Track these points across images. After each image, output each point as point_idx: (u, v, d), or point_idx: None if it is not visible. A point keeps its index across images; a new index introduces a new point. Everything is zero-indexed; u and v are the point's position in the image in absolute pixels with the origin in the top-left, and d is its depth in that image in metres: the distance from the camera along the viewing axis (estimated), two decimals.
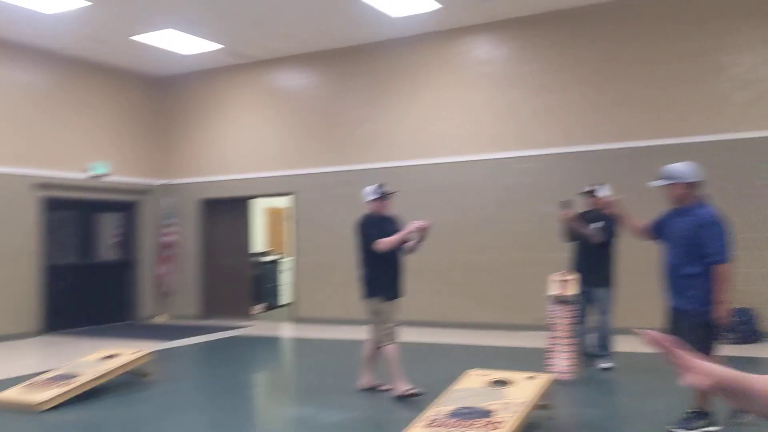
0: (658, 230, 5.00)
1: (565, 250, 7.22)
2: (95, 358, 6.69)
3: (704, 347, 4.47)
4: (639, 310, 9.16)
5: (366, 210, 6.09)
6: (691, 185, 4.74)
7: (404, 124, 10.86)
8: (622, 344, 7.13)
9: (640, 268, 8.98)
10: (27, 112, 10.68)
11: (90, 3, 8.99)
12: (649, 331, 1.36)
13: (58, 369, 6.54)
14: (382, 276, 5.90)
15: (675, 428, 4.72)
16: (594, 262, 6.81)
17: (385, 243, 5.75)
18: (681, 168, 4.78)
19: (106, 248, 12.36)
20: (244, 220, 12.49)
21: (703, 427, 4.66)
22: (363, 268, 5.98)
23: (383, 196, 6.02)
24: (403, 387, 5.73)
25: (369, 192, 6.07)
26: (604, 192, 6.84)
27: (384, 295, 5.87)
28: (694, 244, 4.63)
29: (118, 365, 6.42)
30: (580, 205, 7.13)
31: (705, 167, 8.86)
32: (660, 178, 4.82)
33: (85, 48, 10.95)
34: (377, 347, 5.93)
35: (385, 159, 10.94)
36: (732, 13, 8.94)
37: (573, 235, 6.96)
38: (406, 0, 9.19)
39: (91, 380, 6.10)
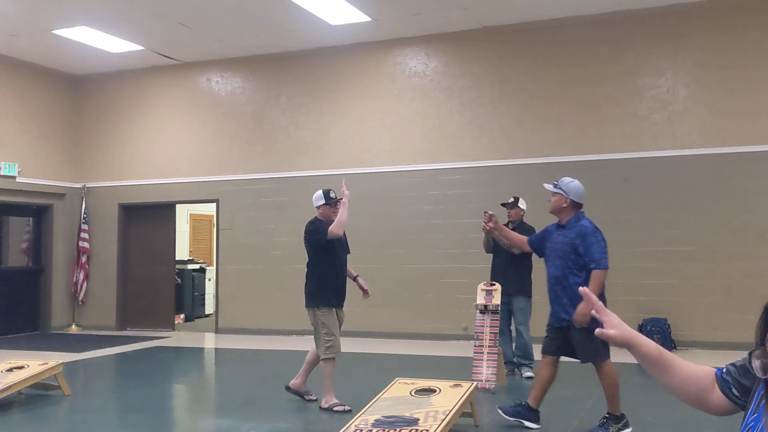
0: (538, 244, 5.28)
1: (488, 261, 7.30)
2: (0, 369, 6.28)
3: (599, 353, 4.78)
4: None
5: (314, 215, 5.97)
6: (573, 203, 5.01)
7: (335, 132, 10.76)
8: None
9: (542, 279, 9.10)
10: None
11: None
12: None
13: None
14: (325, 284, 5.76)
15: None
16: (513, 272, 6.94)
17: (336, 226, 5.66)
18: (572, 184, 5.04)
19: (15, 254, 11.73)
20: (166, 226, 12.06)
21: (619, 430, 4.80)
22: (309, 275, 5.84)
23: (332, 202, 5.90)
24: (331, 401, 5.61)
25: (318, 197, 5.96)
26: (522, 204, 7.02)
27: (327, 305, 5.73)
28: (574, 255, 4.89)
29: (24, 377, 6.02)
30: (503, 217, 7.20)
31: (623, 183, 9.16)
32: (554, 184, 5.11)
33: None
34: (319, 357, 5.76)
35: (314, 167, 10.80)
36: (650, 36, 9.26)
37: (493, 246, 7.02)
38: (342, 9, 9.13)
39: None
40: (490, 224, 5.39)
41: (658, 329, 8.66)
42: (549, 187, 5.11)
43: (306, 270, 5.89)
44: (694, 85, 9.09)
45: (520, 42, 9.87)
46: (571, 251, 4.89)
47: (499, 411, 5.15)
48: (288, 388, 6.04)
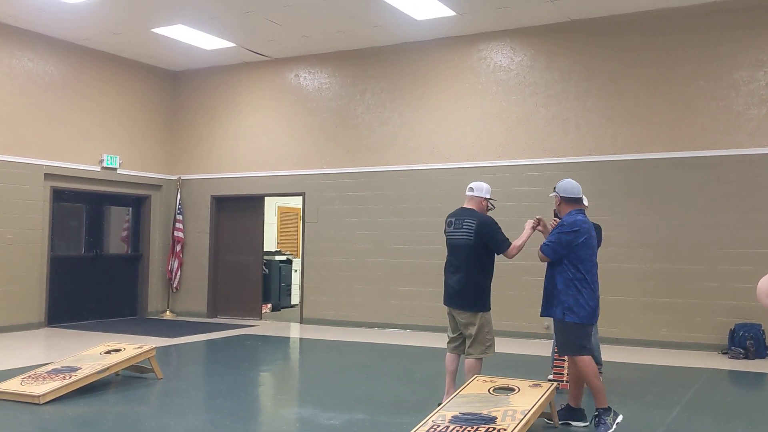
0: None
1: None
2: (98, 351, 6.67)
3: (572, 348, 4.98)
4: (625, 322, 9.14)
5: (471, 207, 5.60)
6: (565, 200, 5.16)
7: (418, 127, 10.81)
8: (611, 355, 7.07)
9: (616, 276, 8.88)
10: (41, 102, 10.71)
11: None
12: None
13: (60, 361, 6.53)
14: (489, 286, 5.52)
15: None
16: None
17: (517, 248, 5.39)
18: (563, 182, 5.21)
19: (115, 242, 12.38)
20: (255, 218, 12.46)
21: (614, 419, 4.84)
22: (472, 277, 5.44)
23: (490, 201, 5.65)
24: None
25: (486, 189, 5.63)
26: (584, 201, 6.82)
27: (489, 307, 5.52)
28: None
29: (120, 360, 6.39)
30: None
31: (716, 182, 8.78)
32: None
33: (103, 39, 10.98)
34: (474, 359, 5.43)
35: (397, 162, 10.91)
36: (748, 27, 8.83)
37: None
38: (427, 4, 9.16)
39: (92, 374, 6.07)
40: (539, 227, 5.41)
41: (752, 335, 8.30)
42: (551, 194, 5.32)
43: (459, 270, 5.50)
44: None
45: (608, 35, 9.61)
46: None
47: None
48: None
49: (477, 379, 5.22)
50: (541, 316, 5.21)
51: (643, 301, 9.11)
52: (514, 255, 5.44)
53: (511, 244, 5.41)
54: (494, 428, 4.30)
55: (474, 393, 4.96)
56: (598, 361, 6.76)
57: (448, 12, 9.43)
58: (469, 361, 5.45)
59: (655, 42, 9.33)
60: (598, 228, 6.74)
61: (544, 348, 8.22)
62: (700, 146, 9.01)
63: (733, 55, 8.91)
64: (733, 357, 8.26)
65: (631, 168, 9.37)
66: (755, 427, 5.24)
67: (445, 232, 5.72)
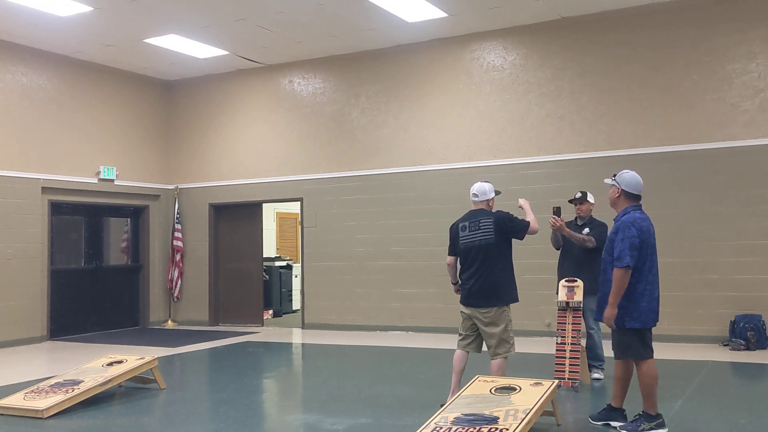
0: None
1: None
2: (100, 364, 6.68)
3: (630, 351, 4.84)
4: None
5: (480, 208, 5.69)
6: (626, 194, 4.94)
7: (414, 129, 10.83)
8: (609, 350, 7.05)
9: None
10: (37, 116, 10.73)
11: (91, 8, 9.02)
12: None
13: (63, 375, 6.54)
14: (514, 280, 5.60)
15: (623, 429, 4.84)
16: (587, 269, 6.57)
17: (534, 221, 5.50)
18: (626, 175, 4.98)
19: (115, 253, 12.39)
20: (254, 224, 12.48)
21: (651, 428, 4.75)
22: (496, 272, 5.48)
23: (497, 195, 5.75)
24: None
25: (490, 189, 5.70)
26: (591, 198, 6.81)
27: (513, 300, 5.58)
28: (612, 249, 4.84)
29: (122, 371, 6.40)
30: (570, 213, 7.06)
31: (713, 174, 8.80)
32: (612, 177, 5.07)
33: (95, 51, 11.00)
34: (502, 358, 5.47)
35: (393, 165, 10.93)
36: (740, 19, 8.86)
37: (563, 242, 6.80)
38: (418, 6, 9.18)
39: (95, 386, 6.08)
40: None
41: (753, 326, 8.31)
42: (608, 180, 5.08)
43: (481, 271, 5.50)
44: None
45: (600, 31, 9.64)
46: (611, 246, 4.86)
47: (590, 420, 5.14)
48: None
49: (479, 379, 5.23)
50: (595, 319, 5.16)
51: None
52: (537, 228, 5.53)
53: (528, 222, 5.50)
54: (497, 428, 4.31)
55: (476, 394, 4.98)
56: (600, 358, 6.78)
57: (439, 13, 9.46)
58: (498, 362, 5.49)
59: (647, 37, 9.36)
60: (603, 226, 6.72)
61: (546, 346, 8.24)
62: (696, 139, 9.04)
63: (725, 47, 8.94)
64: (734, 349, 8.28)
65: (627, 164, 9.33)
66: (758, 418, 5.25)
67: (456, 237, 5.70)
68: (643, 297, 4.77)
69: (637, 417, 4.84)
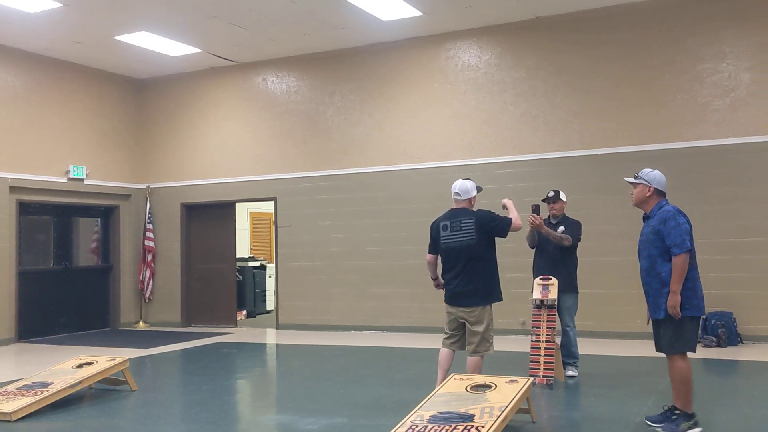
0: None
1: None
2: (70, 365, 6.55)
3: (681, 345, 4.71)
4: (600, 315, 9.21)
5: (464, 207, 5.63)
6: (656, 192, 4.92)
7: (389, 128, 10.80)
8: (587, 348, 7.12)
9: (592, 270, 8.90)
10: (4, 114, 10.51)
11: (60, 4, 8.86)
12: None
13: (32, 377, 6.40)
14: (498, 280, 5.58)
15: (658, 426, 4.76)
16: (562, 267, 6.64)
17: (517, 218, 5.47)
18: (653, 173, 4.95)
19: (85, 253, 12.19)
20: (227, 224, 12.34)
21: (689, 428, 4.68)
22: (480, 272, 5.48)
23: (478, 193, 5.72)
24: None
25: (472, 188, 5.64)
26: (564, 197, 6.84)
27: (497, 299, 5.57)
28: (660, 242, 4.76)
29: (93, 373, 6.28)
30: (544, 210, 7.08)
31: (685, 174, 8.90)
32: (635, 176, 5.00)
33: (64, 48, 10.81)
34: (480, 357, 5.48)
35: (368, 164, 10.89)
36: (711, 20, 8.97)
37: (539, 241, 6.82)
38: (393, 5, 9.16)
39: (65, 388, 5.96)
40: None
41: (723, 323, 8.41)
42: (630, 180, 5.01)
43: (464, 271, 5.50)
44: (758, 69, 8.77)
45: (574, 31, 9.70)
46: (656, 239, 4.77)
47: (647, 422, 4.95)
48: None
49: (454, 377, 5.22)
50: (653, 318, 4.91)
51: (618, 294, 9.18)
52: (520, 224, 5.52)
53: (510, 219, 5.50)
54: (472, 426, 4.30)
55: (451, 392, 4.96)
56: (574, 356, 6.81)
57: (414, 12, 9.44)
58: (476, 360, 5.49)
59: (620, 37, 9.44)
60: (577, 224, 6.77)
61: (522, 344, 8.26)
62: (667, 138, 9.13)
63: (696, 47, 9.04)
64: (705, 345, 8.37)
65: (601, 162, 9.45)
66: (728, 414, 5.30)
67: (437, 236, 5.66)
68: (697, 284, 4.75)
69: (672, 415, 4.75)
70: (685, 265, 4.66)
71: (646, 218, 4.97)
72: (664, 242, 4.73)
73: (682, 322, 4.70)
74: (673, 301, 4.65)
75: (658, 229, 4.77)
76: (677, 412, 4.76)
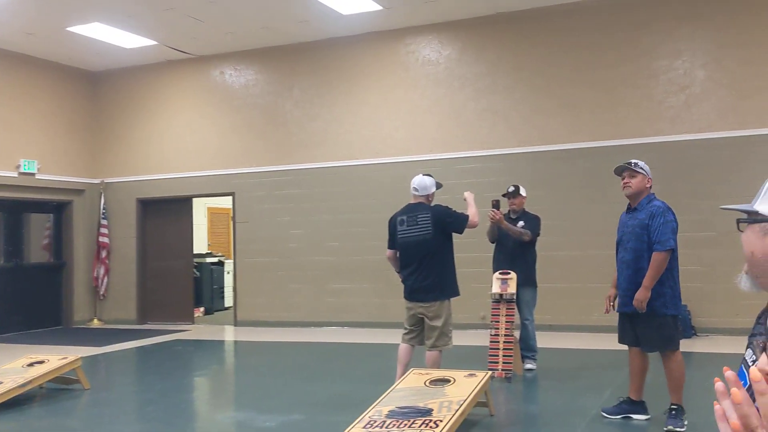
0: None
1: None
2: (20, 364, 6.37)
3: (667, 342, 4.72)
4: (558, 309, 9.30)
5: (422, 201, 5.62)
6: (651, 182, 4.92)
7: (348, 123, 10.73)
8: (545, 341, 7.17)
9: (549, 264, 8.99)
10: None
11: None
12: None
13: None
14: (454, 274, 5.57)
15: (669, 425, 4.73)
16: (521, 262, 6.69)
17: (474, 214, 5.44)
18: (646, 165, 4.94)
19: (36, 250, 11.86)
20: (184, 220, 12.13)
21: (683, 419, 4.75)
22: (437, 267, 5.47)
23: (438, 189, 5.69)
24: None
25: (431, 184, 5.62)
26: (524, 192, 6.88)
27: (455, 294, 5.57)
28: (646, 236, 4.73)
29: (44, 372, 6.12)
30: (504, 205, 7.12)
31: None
32: (632, 164, 4.92)
33: (16, 39, 10.48)
34: (438, 351, 5.48)
35: (328, 159, 10.80)
36: (667, 18, 9.11)
37: (498, 235, 6.86)
38: None
39: (15, 388, 5.77)
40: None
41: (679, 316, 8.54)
42: (632, 167, 4.84)
43: (422, 266, 5.49)
44: (712, 67, 8.93)
45: (535, 27, 9.76)
46: (643, 233, 4.74)
47: (603, 413, 5.02)
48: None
49: (413, 372, 5.20)
50: (623, 312, 4.88)
51: (575, 288, 9.29)
52: (477, 221, 5.52)
53: (467, 215, 5.48)
54: (430, 420, 4.28)
55: (410, 386, 4.94)
56: (533, 349, 6.86)
57: (374, 6, 9.39)
58: (434, 354, 5.48)
59: (579, 33, 9.52)
60: (537, 219, 6.81)
61: (481, 338, 8.29)
62: (625, 134, 9.24)
63: (653, 45, 9.17)
64: None
65: (560, 158, 9.53)
66: (685, 404, 5.37)
67: (394, 231, 5.64)
68: (677, 283, 4.76)
69: (673, 411, 4.75)
70: (664, 264, 4.65)
71: (630, 210, 4.93)
72: (650, 237, 4.71)
73: (670, 320, 4.74)
74: (643, 295, 4.65)
75: (647, 223, 4.74)
76: (674, 406, 4.77)
